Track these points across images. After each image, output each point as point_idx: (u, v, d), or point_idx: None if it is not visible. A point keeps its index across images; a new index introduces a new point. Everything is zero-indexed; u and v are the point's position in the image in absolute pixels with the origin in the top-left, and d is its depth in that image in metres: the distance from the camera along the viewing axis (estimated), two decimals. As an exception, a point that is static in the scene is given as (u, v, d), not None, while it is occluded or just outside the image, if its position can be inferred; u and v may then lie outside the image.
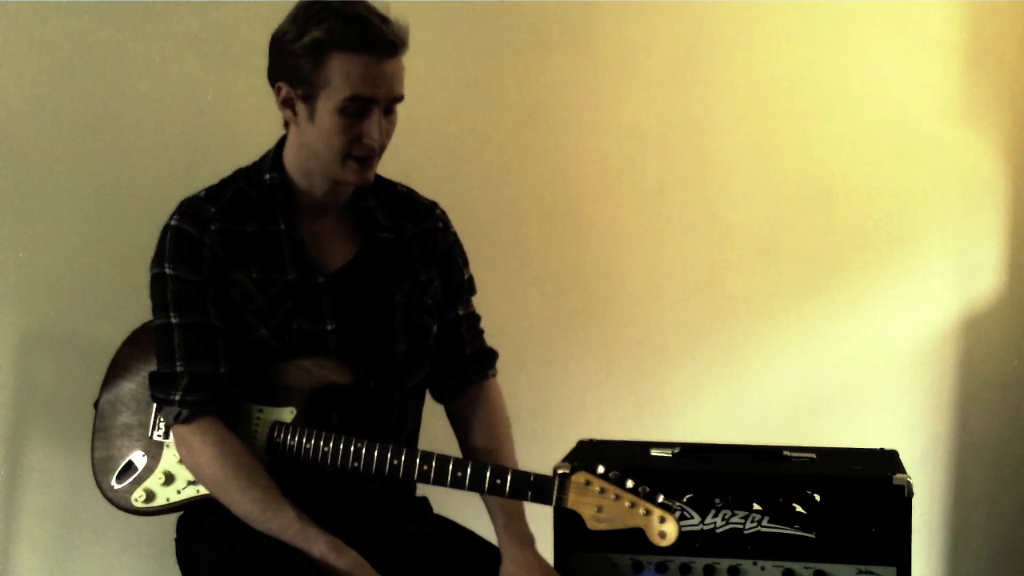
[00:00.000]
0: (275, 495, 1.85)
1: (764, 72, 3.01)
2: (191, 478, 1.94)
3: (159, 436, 2.00)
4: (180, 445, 1.91)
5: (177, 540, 2.02)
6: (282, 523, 1.83)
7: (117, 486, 2.00)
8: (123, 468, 2.01)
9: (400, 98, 1.90)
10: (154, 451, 1.99)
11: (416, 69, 2.94)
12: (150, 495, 1.97)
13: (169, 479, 1.96)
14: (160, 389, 1.91)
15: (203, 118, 2.75)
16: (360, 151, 1.88)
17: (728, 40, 3.01)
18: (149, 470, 1.98)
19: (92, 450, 2.06)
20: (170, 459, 1.97)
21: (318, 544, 1.81)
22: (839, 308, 3.03)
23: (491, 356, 2.17)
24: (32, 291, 2.69)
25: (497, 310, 2.96)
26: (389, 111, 1.90)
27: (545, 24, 2.99)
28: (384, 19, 1.86)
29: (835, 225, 3.03)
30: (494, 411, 2.12)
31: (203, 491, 1.93)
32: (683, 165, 3.04)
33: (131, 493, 1.98)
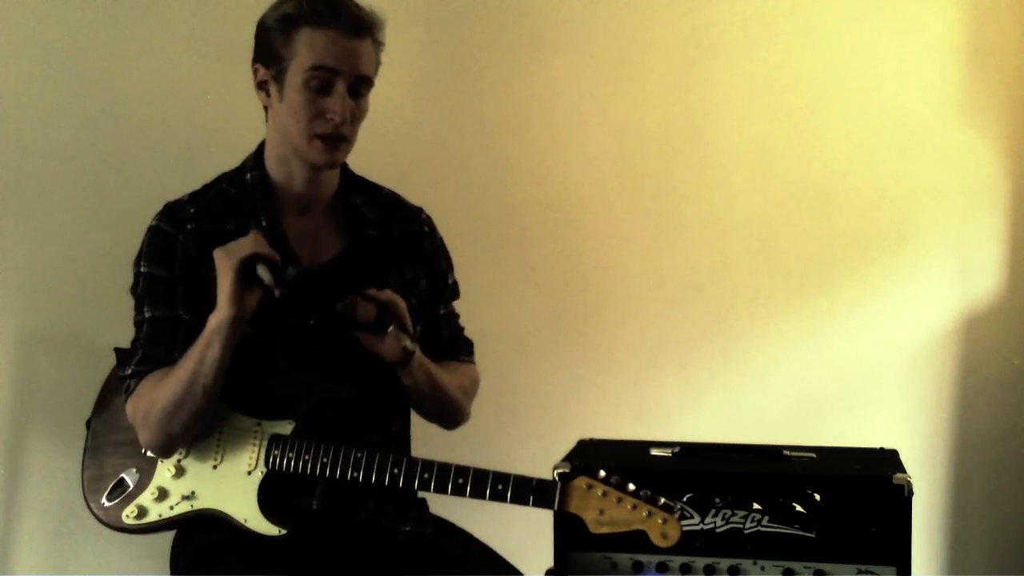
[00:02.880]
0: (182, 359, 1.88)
1: (764, 72, 3.01)
2: (185, 492, 1.94)
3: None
4: (132, 416, 1.92)
5: (171, 549, 2.03)
6: (192, 358, 1.84)
7: (107, 504, 1.99)
8: (114, 486, 2.00)
9: (367, 79, 1.93)
10: (147, 467, 1.98)
11: (416, 68, 2.96)
12: (142, 511, 1.96)
13: (163, 495, 1.96)
14: (120, 366, 1.97)
15: (203, 117, 2.75)
16: (324, 127, 1.91)
17: (728, 40, 3.01)
18: (141, 487, 1.97)
19: (82, 469, 2.05)
20: (164, 474, 1.96)
21: (208, 326, 1.84)
22: (839, 308, 3.03)
23: (465, 342, 2.18)
24: (32, 291, 2.69)
25: (497, 310, 2.99)
26: (356, 93, 1.92)
27: (545, 24, 2.99)
28: (356, 3, 1.92)
29: (835, 225, 3.03)
30: (457, 368, 2.12)
31: (196, 506, 1.93)
32: (683, 165, 3.03)
33: (122, 510, 1.97)
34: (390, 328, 1.90)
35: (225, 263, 1.83)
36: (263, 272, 1.82)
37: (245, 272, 1.82)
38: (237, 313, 1.83)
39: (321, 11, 1.87)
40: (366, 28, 1.90)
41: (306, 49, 1.88)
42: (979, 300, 3.02)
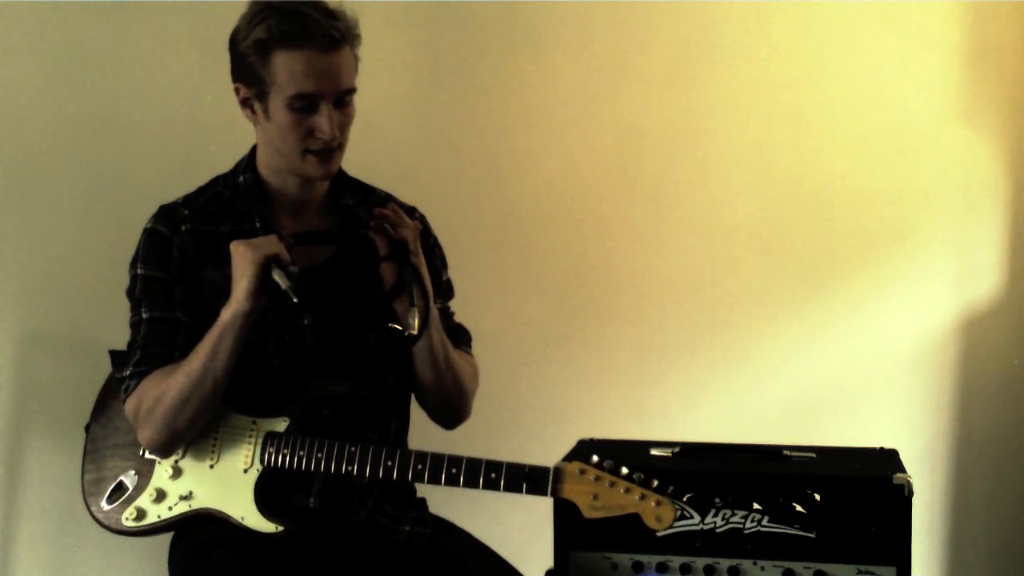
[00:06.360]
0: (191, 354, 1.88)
1: (764, 72, 3.01)
2: (183, 492, 1.95)
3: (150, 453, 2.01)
4: (133, 415, 1.92)
5: (169, 548, 2.03)
6: (203, 351, 1.85)
7: (107, 507, 2.00)
8: (113, 489, 2.00)
9: (350, 90, 1.91)
10: (145, 469, 1.99)
11: (416, 69, 2.96)
12: (141, 513, 1.96)
13: (161, 496, 1.96)
14: (117, 368, 1.95)
15: (202, 118, 2.75)
16: (314, 145, 1.91)
17: (728, 40, 3.01)
18: (140, 489, 1.98)
19: (82, 472, 2.06)
20: (161, 475, 1.96)
21: (222, 319, 1.84)
22: (839, 308, 3.03)
23: (463, 333, 2.15)
24: (32, 291, 2.69)
25: (498, 310, 2.99)
26: (341, 103, 1.91)
27: (545, 24, 3.00)
28: (327, 13, 1.88)
29: (835, 225, 3.03)
30: (461, 354, 2.10)
31: (194, 506, 1.94)
32: (683, 165, 3.04)
33: (121, 513, 1.97)
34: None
35: (245, 257, 1.83)
36: (279, 277, 1.82)
37: (264, 271, 1.82)
38: (254, 308, 1.83)
39: (293, 33, 1.84)
40: (341, 40, 1.87)
41: (285, 74, 1.86)
42: (979, 300, 3.02)
